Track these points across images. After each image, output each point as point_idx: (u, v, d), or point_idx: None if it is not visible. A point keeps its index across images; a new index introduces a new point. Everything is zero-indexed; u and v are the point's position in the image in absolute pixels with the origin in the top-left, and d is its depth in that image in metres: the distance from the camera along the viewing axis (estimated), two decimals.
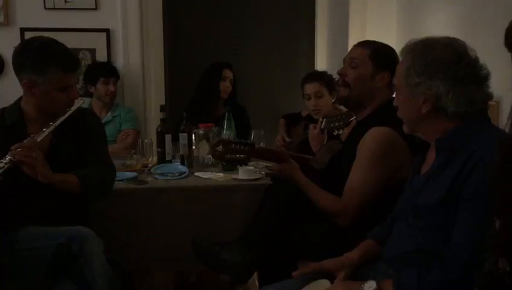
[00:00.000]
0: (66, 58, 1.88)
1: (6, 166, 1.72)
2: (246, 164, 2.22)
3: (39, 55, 1.84)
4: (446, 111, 1.38)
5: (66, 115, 1.89)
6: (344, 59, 2.01)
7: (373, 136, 1.82)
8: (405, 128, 1.50)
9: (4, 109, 2.01)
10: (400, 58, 1.49)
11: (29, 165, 1.73)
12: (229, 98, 3.27)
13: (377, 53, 1.93)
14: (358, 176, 1.84)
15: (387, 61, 1.92)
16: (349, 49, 2.09)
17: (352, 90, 1.94)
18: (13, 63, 1.89)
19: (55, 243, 1.65)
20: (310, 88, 2.91)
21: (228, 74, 3.26)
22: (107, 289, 1.69)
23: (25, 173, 1.75)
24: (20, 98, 1.97)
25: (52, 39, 1.91)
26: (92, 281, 1.65)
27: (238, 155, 2.05)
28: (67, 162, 1.88)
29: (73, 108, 1.92)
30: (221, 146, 2.05)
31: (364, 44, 1.99)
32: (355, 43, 2.05)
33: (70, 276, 1.66)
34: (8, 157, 1.73)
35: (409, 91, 1.42)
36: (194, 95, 3.27)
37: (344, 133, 2.38)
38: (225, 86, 3.23)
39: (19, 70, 1.87)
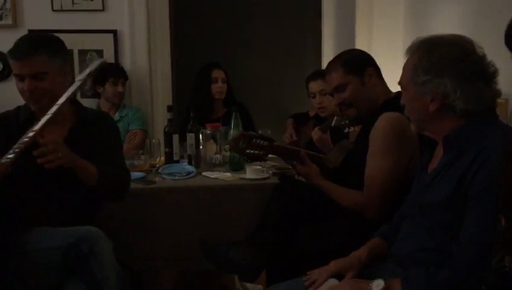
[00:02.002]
0: (17, 45, 1.86)
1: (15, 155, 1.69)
2: (265, 160, 2.23)
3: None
4: (454, 109, 1.37)
5: (61, 101, 1.78)
6: (329, 93, 2.09)
7: (384, 122, 1.83)
8: (413, 127, 1.50)
9: (19, 107, 2.03)
10: (406, 57, 1.48)
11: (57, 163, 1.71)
12: (227, 98, 3.22)
13: (348, 64, 1.97)
14: (374, 164, 1.84)
15: (362, 62, 1.99)
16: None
17: (357, 107, 1.98)
18: None
19: (64, 243, 1.64)
20: (315, 86, 2.91)
21: (217, 73, 3.16)
22: (117, 288, 1.70)
23: (34, 175, 1.78)
24: None
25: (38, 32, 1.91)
26: (102, 281, 1.65)
27: (257, 151, 2.06)
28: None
29: (68, 93, 1.80)
30: (242, 140, 2.06)
31: (332, 67, 2.02)
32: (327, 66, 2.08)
33: (81, 276, 1.66)
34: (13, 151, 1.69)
35: (416, 89, 1.41)
36: (190, 99, 3.21)
37: (354, 132, 2.39)
38: (217, 87, 3.15)
39: None
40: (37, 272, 1.70)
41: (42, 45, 1.84)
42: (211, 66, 3.20)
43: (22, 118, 1.94)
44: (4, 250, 1.71)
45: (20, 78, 1.84)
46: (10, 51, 1.83)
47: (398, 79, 1.51)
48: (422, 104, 1.40)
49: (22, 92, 1.86)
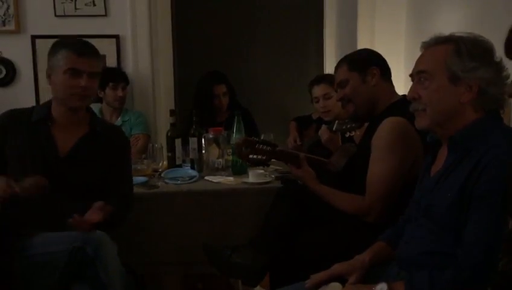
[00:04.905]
0: (76, 42, 1.96)
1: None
2: (268, 165, 2.24)
3: (58, 41, 1.97)
4: (480, 102, 1.36)
5: None
6: (334, 90, 2.18)
7: (386, 126, 1.83)
8: (425, 122, 1.43)
9: (34, 106, 2.06)
10: (423, 50, 1.46)
11: None
12: (230, 103, 3.22)
13: (353, 61, 2.01)
14: (376, 168, 1.83)
15: (367, 60, 2.01)
16: None
17: (355, 102, 1.99)
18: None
19: (70, 246, 1.65)
20: (318, 91, 2.91)
21: (219, 90, 3.15)
22: None
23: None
24: (51, 98, 2.01)
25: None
26: (108, 284, 1.66)
27: (260, 156, 2.07)
28: (84, 171, 1.92)
29: None
30: (245, 146, 2.07)
31: (339, 64, 2.06)
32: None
33: (86, 279, 1.67)
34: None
35: (450, 77, 1.36)
36: (193, 107, 3.16)
37: (357, 135, 2.39)
38: (219, 103, 3.16)
39: (47, 62, 1.95)
40: (41, 275, 1.71)
41: (96, 50, 1.99)
42: (212, 81, 3.17)
43: (35, 118, 1.96)
44: (8, 253, 1.72)
45: (76, 73, 1.88)
46: (71, 46, 1.90)
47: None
48: (454, 94, 1.37)
49: (69, 87, 1.90)
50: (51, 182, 1.84)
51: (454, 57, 1.36)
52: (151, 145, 2.69)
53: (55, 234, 1.74)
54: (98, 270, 1.65)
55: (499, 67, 1.37)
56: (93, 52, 1.95)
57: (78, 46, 1.92)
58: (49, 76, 1.94)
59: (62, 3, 3.32)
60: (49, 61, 1.94)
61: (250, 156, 2.08)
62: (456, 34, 1.41)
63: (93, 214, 1.75)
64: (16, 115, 1.98)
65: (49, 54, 1.94)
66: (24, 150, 1.90)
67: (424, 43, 1.46)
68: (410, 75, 1.48)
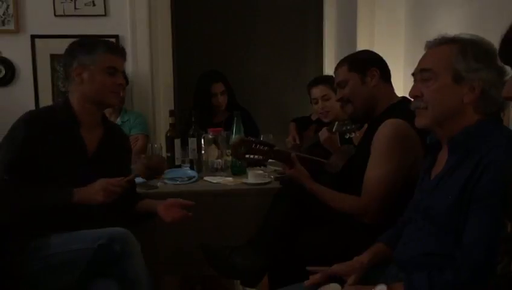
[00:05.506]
0: (113, 43, 2.04)
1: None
2: (265, 165, 2.24)
3: (89, 40, 2.02)
4: (481, 104, 1.36)
5: None
6: (334, 90, 2.20)
7: (386, 128, 1.83)
8: (426, 119, 1.43)
9: (51, 107, 2.08)
10: (427, 49, 1.46)
11: None
12: (230, 103, 3.24)
13: (353, 62, 2.01)
14: (374, 169, 1.83)
15: (367, 61, 2.01)
16: None
17: (354, 103, 1.99)
18: (65, 56, 1.96)
19: (95, 245, 1.65)
20: (317, 92, 2.91)
21: (217, 88, 3.18)
22: (148, 287, 1.72)
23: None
24: (66, 98, 1.99)
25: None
26: (135, 280, 1.68)
27: (257, 156, 2.07)
28: (107, 170, 1.91)
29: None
30: (243, 146, 2.07)
31: (340, 64, 2.06)
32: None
33: (113, 277, 1.68)
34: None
35: (454, 77, 1.37)
36: (192, 106, 3.20)
37: (356, 136, 2.39)
38: (217, 101, 3.19)
39: (70, 59, 1.93)
40: (59, 275, 1.70)
41: None
42: (210, 80, 3.20)
43: (60, 119, 1.93)
44: (19, 254, 1.71)
45: (114, 72, 1.94)
46: (109, 45, 1.97)
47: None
48: (456, 94, 1.37)
49: (109, 84, 1.93)
50: (77, 183, 1.83)
51: (459, 57, 1.37)
52: (150, 145, 2.69)
53: (74, 233, 1.74)
54: (126, 267, 1.66)
55: (501, 70, 1.37)
56: (125, 52, 2.04)
57: (115, 46, 2.02)
58: (79, 74, 1.91)
59: (62, 3, 3.32)
60: (79, 59, 1.91)
61: (247, 155, 2.08)
62: (461, 36, 1.42)
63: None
64: (38, 119, 1.92)
65: (79, 53, 1.92)
66: (56, 152, 1.87)
67: (428, 42, 1.47)
68: (413, 74, 1.48)
